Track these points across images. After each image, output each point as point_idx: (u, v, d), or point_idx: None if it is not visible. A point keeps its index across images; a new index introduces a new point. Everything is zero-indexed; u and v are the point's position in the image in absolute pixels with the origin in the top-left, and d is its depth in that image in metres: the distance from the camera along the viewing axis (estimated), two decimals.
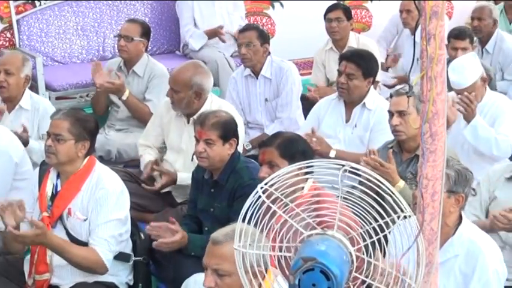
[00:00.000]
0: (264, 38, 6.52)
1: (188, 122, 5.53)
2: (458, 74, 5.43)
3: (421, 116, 2.22)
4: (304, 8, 8.60)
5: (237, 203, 4.46)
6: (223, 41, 7.80)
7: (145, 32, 6.60)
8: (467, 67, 5.46)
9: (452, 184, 3.66)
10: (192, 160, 5.07)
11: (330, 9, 7.44)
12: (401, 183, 4.55)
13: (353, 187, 2.24)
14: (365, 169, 2.19)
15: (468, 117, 5.36)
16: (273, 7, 8.78)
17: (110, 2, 7.98)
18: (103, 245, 4.19)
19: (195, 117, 5.24)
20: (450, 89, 5.56)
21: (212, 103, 5.56)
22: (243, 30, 6.66)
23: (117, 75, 6.39)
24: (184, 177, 5.40)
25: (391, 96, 5.05)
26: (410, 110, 4.68)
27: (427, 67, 2.18)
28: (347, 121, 5.71)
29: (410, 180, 4.74)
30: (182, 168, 5.52)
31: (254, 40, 6.42)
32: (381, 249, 2.19)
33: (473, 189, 4.29)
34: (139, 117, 6.41)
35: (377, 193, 2.18)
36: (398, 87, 5.65)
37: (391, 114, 4.86)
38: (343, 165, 2.21)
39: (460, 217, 3.77)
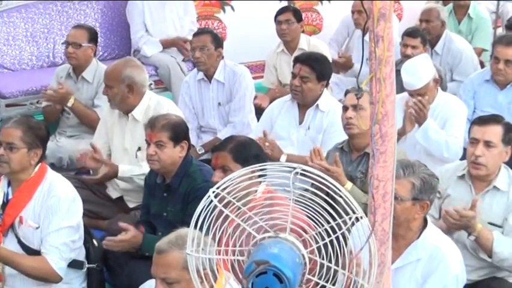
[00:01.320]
0: (218, 42, 6.52)
1: (128, 120, 5.52)
2: (411, 75, 5.48)
3: (371, 117, 2.24)
4: (255, 11, 8.59)
5: (191, 206, 4.44)
6: (187, 56, 7.79)
7: (93, 37, 6.56)
8: (420, 68, 5.52)
9: (417, 192, 3.67)
10: (136, 157, 5.06)
11: (280, 12, 7.50)
12: (348, 185, 4.59)
13: (306, 190, 2.25)
14: (316, 171, 2.19)
15: (420, 120, 5.42)
16: (224, 11, 8.77)
17: (59, 7, 7.90)
18: (54, 253, 4.15)
19: (133, 113, 5.36)
20: (403, 89, 5.63)
21: (151, 99, 5.55)
22: (198, 34, 6.67)
23: (60, 84, 6.34)
24: (126, 169, 5.38)
25: (346, 93, 5.07)
26: (366, 106, 4.72)
27: (375, 69, 2.20)
28: (300, 123, 5.73)
29: (360, 179, 4.78)
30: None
31: (208, 44, 6.41)
32: (333, 251, 2.19)
33: (439, 192, 4.32)
34: (88, 124, 6.37)
35: (329, 195, 2.19)
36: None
37: (345, 108, 4.90)
38: (295, 168, 2.21)
39: (425, 221, 3.79)
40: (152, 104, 5.47)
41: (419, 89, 5.48)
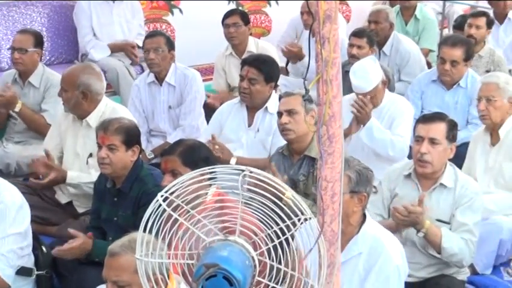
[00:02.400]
0: (171, 44, 6.52)
1: (81, 125, 5.47)
2: (361, 78, 5.52)
3: (318, 118, 2.24)
4: (204, 14, 8.58)
5: (142, 210, 4.34)
6: (136, 62, 7.75)
7: (39, 42, 6.48)
8: (370, 71, 5.56)
9: (354, 185, 3.73)
10: (87, 163, 5.01)
11: (227, 15, 7.49)
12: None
13: (256, 192, 2.25)
14: (265, 173, 2.20)
15: (363, 119, 5.47)
16: (172, 13, 8.74)
17: (4, 12, 7.79)
18: (1, 260, 4.10)
19: (87, 119, 5.33)
20: (351, 90, 5.67)
21: (107, 106, 5.50)
22: (151, 35, 6.65)
23: (8, 88, 6.26)
24: (74, 176, 5.33)
25: (280, 98, 5.10)
26: (298, 109, 4.76)
27: (322, 70, 2.20)
28: (249, 125, 5.73)
29: (303, 182, 4.80)
30: (78, 171, 5.44)
31: (162, 46, 6.40)
32: (283, 253, 2.20)
33: (375, 187, 4.37)
34: (36, 129, 6.30)
35: (278, 197, 2.19)
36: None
37: (280, 114, 4.92)
38: (244, 171, 2.21)
39: (364, 215, 3.84)
40: (108, 110, 5.41)
41: (369, 92, 5.53)
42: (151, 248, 2.24)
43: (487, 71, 7.20)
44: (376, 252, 3.73)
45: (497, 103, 5.25)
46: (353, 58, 6.88)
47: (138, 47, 7.65)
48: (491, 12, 8.77)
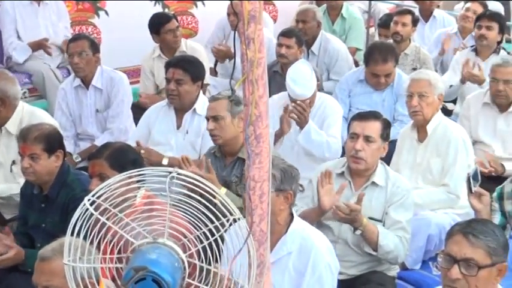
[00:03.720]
0: (95, 47, 6.44)
1: (1, 133, 5.38)
2: (303, 86, 5.55)
3: (245, 119, 2.24)
4: (130, 15, 8.50)
5: (71, 216, 4.32)
6: (49, 54, 7.63)
7: None
8: (309, 78, 5.60)
9: (279, 183, 3.74)
10: (11, 171, 4.93)
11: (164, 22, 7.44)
12: (223, 190, 4.60)
13: (185, 194, 2.24)
14: (192, 175, 2.19)
15: (301, 123, 5.50)
16: (98, 16, 8.65)
17: None
18: None
19: (6, 126, 5.27)
20: (280, 90, 5.71)
21: (24, 110, 5.42)
22: (74, 39, 6.55)
23: None
24: (5, 189, 5.26)
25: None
26: (224, 114, 4.77)
27: (247, 70, 2.20)
28: (178, 127, 5.71)
29: (236, 183, 4.81)
30: (3, 181, 5.35)
31: (86, 49, 6.31)
32: (212, 254, 2.19)
33: (301, 185, 4.40)
34: None
35: (207, 198, 2.19)
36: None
37: (207, 119, 4.93)
38: (171, 172, 2.20)
39: (291, 215, 3.85)
40: (26, 115, 5.33)
41: (309, 98, 5.57)
42: (80, 252, 2.22)
43: (414, 69, 7.31)
44: (306, 250, 3.75)
45: (429, 99, 5.32)
46: (282, 58, 6.92)
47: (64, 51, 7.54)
48: (416, 11, 8.90)
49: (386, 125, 4.66)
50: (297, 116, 5.46)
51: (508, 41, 9.52)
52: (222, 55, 7.95)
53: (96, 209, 2.21)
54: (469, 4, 8.56)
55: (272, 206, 3.53)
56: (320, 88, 6.19)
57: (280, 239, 3.79)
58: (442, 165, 5.31)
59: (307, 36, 7.79)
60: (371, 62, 6.62)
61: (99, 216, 2.20)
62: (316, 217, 4.42)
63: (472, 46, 7.57)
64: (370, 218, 4.48)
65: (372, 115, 4.68)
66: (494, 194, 4.56)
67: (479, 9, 8.31)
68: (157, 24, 7.36)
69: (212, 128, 4.86)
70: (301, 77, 5.59)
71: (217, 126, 4.84)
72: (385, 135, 4.61)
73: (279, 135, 5.61)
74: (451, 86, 7.11)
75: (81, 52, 6.30)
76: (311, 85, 5.58)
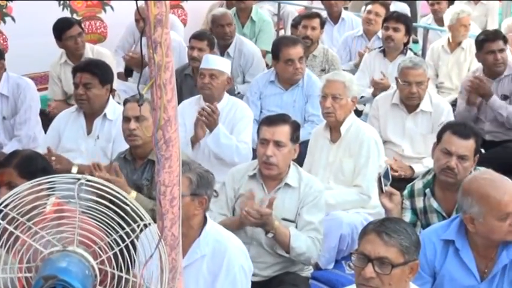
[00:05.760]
0: (0, 54, 6.33)
1: None
2: (215, 58, 5.61)
3: (154, 123, 2.23)
4: (36, 21, 8.33)
5: None
6: None
7: None
8: (222, 60, 5.75)
9: (195, 187, 3.74)
10: None
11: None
12: (133, 193, 4.57)
13: (94, 200, 2.21)
14: (101, 181, 2.16)
15: (210, 126, 5.50)
16: (5, 22, 8.49)
17: None
18: None
19: None
20: (193, 94, 5.72)
21: None
22: None
23: None
24: None
25: (125, 102, 5.05)
26: (147, 116, 4.73)
27: (155, 75, 2.19)
28: (88, 133, 5.64)
29: (147, 187, 4.79)
30: None
31: None
32: (124, 260, 2.18)
33: (215, 191, 4.40)
34: None
35: (115, 204, 2.17)
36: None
37: (127, 119, 4.89)
38: (80, 179, 2.18)
39: (205, 218, 3.85)
40: None
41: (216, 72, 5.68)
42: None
43: (322, 70, 7.40)
44: (220, 254, 3.76)
45: (343, 101, 5.36)
46: (194, 61, 6.90)
47: None
48: (324, 13, 8.99)
49: (296, 128, 4.68)
50: (205, 118, 5.47)
51: (415, 42, 9.73)
52: (134, 62, 7.87)
53: (3, 218, 2.16)
54: (370, 7, 8.61)
55: (186, 210, 3.57)
56: (234, 90, 6.21)
57: (194, 242, 3.79)
58: (354, 165, 5.38)
59: (231, 39, 7.83)
60: (282, 47, 6.61)
61: (7, 225, 2.16)
62: (236, 228, 4.42)
63: (380, 47, 7.69)
64: (284, 219, 4.52)
65: (281, 119, 4.68)
66: (405, 192, 4.65)
67: (381, 11, 8.41)
68: (60, 30, 7.23)
69: (134, 128, 4.81)
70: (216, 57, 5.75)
71: (139, 126, 4.81)
72: (295, 137, 4.63)
73: (194, 141, 5.62)
74: (362, 97, 7.20)
75: None
76: (223, 63, 5.73)
